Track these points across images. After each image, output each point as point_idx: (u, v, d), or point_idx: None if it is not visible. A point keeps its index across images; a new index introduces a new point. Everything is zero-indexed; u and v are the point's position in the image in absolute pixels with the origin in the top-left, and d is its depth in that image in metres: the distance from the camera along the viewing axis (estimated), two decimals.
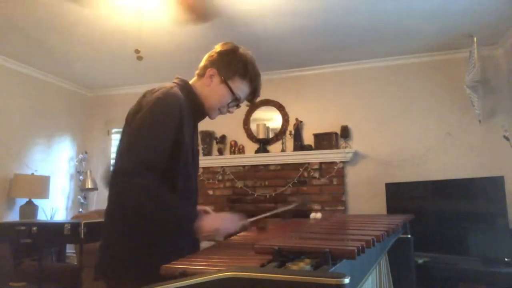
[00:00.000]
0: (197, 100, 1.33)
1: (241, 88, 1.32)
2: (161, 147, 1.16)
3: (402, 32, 3.40)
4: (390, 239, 1.56)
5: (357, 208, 3.85)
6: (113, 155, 4.95)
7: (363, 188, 3.87)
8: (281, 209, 1.54)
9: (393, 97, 3.96)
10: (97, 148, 4.99)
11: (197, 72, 1.37)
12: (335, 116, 4.09)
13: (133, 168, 1.10)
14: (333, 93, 4.17)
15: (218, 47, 1.35)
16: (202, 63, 1.36)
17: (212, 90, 1.32)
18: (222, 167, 4.29)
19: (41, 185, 4.02)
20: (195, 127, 1.39)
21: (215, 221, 1.17)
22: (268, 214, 1.43)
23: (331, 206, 3.88)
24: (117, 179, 1.13)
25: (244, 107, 4.47)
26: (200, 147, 4.43)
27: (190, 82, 1.37)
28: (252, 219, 1.33)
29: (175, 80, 1.35)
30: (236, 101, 1.35)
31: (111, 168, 1.19)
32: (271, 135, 4.30)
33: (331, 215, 2.32)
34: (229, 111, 1.37)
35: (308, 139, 4.11)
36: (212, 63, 1.33)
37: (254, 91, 1.36)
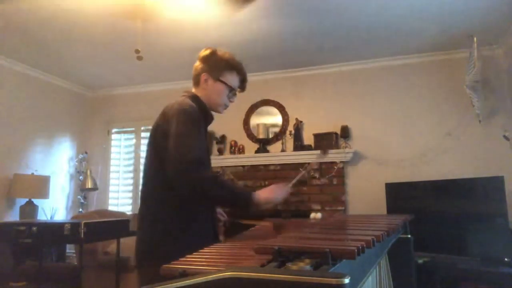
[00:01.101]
0: (205, 106, 1.54)
1: (232, 79, 1.57)
2: (202, 146, 1.38)
3: (402, 32, 3.40)
4: (390, 239, 1.56)
5: (357, 208, 3.85)
6: (113, 155, 4.95)
7: (363, 188, 3.87)
8: (298, 176, 1.82)
9: (393, 97, 3.96)
10: (97, 148, 4.99)
11: (192, 83, 1.60)
12: (335, 116, 4.09)
13: (194, 163, 1.30)
14: (333, 93, 4.17)
15: (200, 55, 1.58)
16: (193, 74, 1.59)
17: (211, 91, 1.55)
18: (222, 167, 4.29)
19: (41, 185, 4.02)
20: (206, 131, 1.60)
21: (270, 192, 1.42)
22: (295, 179, 1.71)
23: (331, 206, 3.88)
24: (189, 177, 1.29)
25: (243, 107, 4.48)
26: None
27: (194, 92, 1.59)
28: (291, 184, 1.58)
29: (184, 94, 1.56)
30: (233, 91, 1.59)
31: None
32: (271, 135, 4.30)
33: (331, 215, 2.32)
34: (230, 101, 1.61)
35: (308, 139, 4.11)
36: (201, 70, 1.56)
37: (242, 78, 1.61)
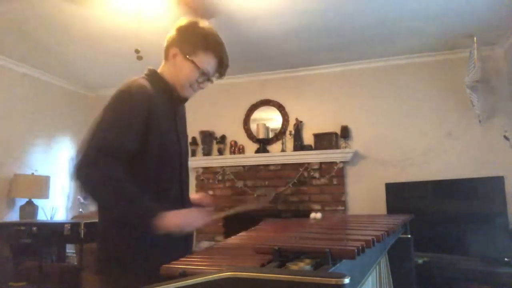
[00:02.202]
0: (167, 85, 1.32)
1: (206, 61, 1.30)
2: (124, 134, 1.15)
3: (402, 32, 3.40)
4: (390, 239, 1.56)
5: (357, 208, 3.85)
6: None
7: (363, 188, 3.87)
8: (245, 207, 1.50)
9: (393, 97, 3.96)
10: None
11: (164, 57, 1.36)
12: (335, 116, 4.09)
13: (93, 157, 1.10)
14: (333, 93, 4.17)
15: (176, 24, 1.33)
16: (164, 45, 1.35)
17: (178, 69, 1.31)
18: (222, 167, 4.29)
19: (41, 185, 4.02)
20: (176, 112, 1.37)
21: (177, 218, 1.14)
22: (232, 211, 1.42)
23: (331, 206, 3.88)
24: (79, 171, 1.11)
25: (243, 107, 4.47)
26: (200, 147, 4.43)
27: (158, 70, 1.36)
28: (217, 216, 1.34)
29: (144, 72, 1.35)
30: (204, 76, 1.32)
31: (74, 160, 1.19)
32: (271, 135, 4.30)
33: (331, 215, 2.32)
34: (200, 87, 1.35)
35: (308, 139, 4.12)
36: (172, 42, 1.32)
37: (220, 62, 1.33)
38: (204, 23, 1.32)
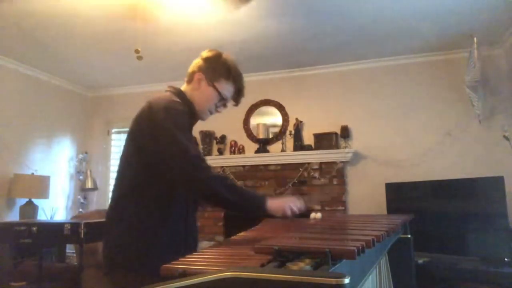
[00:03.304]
0: (190, 105, 1.45)
1: (227, 88, 1.46)
2: (193, 145, 1.29)
3: (402, 32, 3.40)
4: (390, 239, 1.56)
5: (357, 208, 3.85)
6: (113, 155, 4.95)
7: (363, 188, 3.87)
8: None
9: (393, 97, 3.96)
10: (97, 148, 4.99)
11: (185, 79, 1.51)
12: (335, 116, 4.09)
13: (199, 161, 1.25)
14: (333, 93, 4.17)
15: (203, 54, 1.49)
16: (189, 70, 1.50)
17: (201, 93, 1.45)
18: (222, 167, 4.29)
19: (41, 185, 4.03)
20: (191, 131, 1.49)
21: (282, 202, 1.34)
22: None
23: (331, 206, 3.88)
24: (200, 180, 1.23)
25: (243, 107, 4.47)
26: (200, 147, 4.43)
27: (181, 88, 1.49)
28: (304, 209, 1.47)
29: (169, 89, 1.48)
30: (223, 101, 1.48)
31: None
32: (271, 135, 4.30)
33: (331, 215, 2.32)
34: (217, 111, 1.51)
35: (308, 139, 4.12)
36: (199, 68, 1.47)
37: (238, 90, 1.50)
38: (227, 55, 1.49)
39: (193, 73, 1.48)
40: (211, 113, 1.50)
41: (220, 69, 1.45)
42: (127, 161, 1.35)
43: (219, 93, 1.45)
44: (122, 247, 1.29)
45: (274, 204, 1.32)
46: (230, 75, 1.46)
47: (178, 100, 1.39)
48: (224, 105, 1.51)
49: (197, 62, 1.49)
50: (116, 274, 1.28)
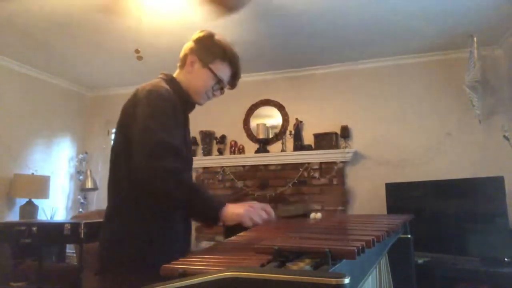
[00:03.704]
0: (183, 91, 1.37)
1: (222, 70, 1.37)
2: (174, 132, 1.19)
3: (402, 32, 3.40)
4: (390, 239, 1.56)
5: (357, 208, 3.85)
6: None
7: (363, 188, 3.87)
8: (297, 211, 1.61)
9: (393, 97, 3.96)
10: (97, 148, 4.99)
11: (178, 64, 1.42)
12: (335, 116, 4.09)
13: (159, 149, 1.11)
14: (333, 93, 4.17)
15: (194, 36, 1.41)
16: (181, 54, 1.41)
17: (195, 76, 1.37)
18: (222, 167, 4.29)
19: (41, 185, 4.02)
20: (186, 118, 1.41)
21: (238, 209, 1.15)
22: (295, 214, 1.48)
23: (331, 206, 3.88)
24: (147, 167, 1.11)
25: (243, 107, 4.47)
26: (200, 147, 4.43)
27: (174, 74, 1.41)
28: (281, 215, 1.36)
29: (160, 76, 1.39)
30: (219, 84, 1.39)
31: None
32: (271, 135, 4.30)
33: (331, 215, 2.32)
34: (214, 95, 1.41)
35: (308, 139, 4.11)
36: (191, 50, 1.38)
37: (235, 73, 1.41)
38: (221, 35, 1.40)
39: (185, 56, 1.39)
40: (208, 97, 1.40)
41: (214, 49, 1.36)
42: (115, 153, 1.27)
43: (215, 74, 1.36)
44: (115, 245, 1.21)
45: (231, 212, 1.14)
46: (226, 56, 1.37)
47: (165, 85, 1.30)
48: (221, 89, 1.42)
49: (188, 44, 1.41)
50: (107, 274, 1.22)
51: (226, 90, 1.48)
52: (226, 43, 1.39)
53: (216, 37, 1.39)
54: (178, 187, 1.10)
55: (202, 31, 1.41)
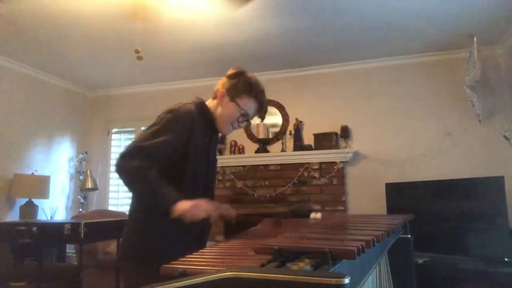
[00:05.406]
0: (210, 116, 1.54)
1: (248, 104, 1.53)
2: (162, 145, 1.33)
3: (402, 32, 3.40)
4: (390, 239, 1.56)
5: (357, 208, 3.85)
6: (113, 155, 4.95)
7: (363, 188, 3.87)
8: (273, 210, 1.66)
9: (393, 97, 3.96)
10: (97, 148, 4.99)
11: (212, 96, 1.60)
12: (335, 116, 4.09)
13: (132, 151, 1.31)
14: (333, 93, 4.17)
15: (228, 72, 1.58)
16: (215, 88, 1.59)
17: (223, 108, 1.54)
18: (222, 167, 4.29)
19: (41, 185, 4.02)
20: (212, 139, 1.61)
21: (186, 205, 1.25)
22: (256, 212, 1.62)
23: (331, 206, 3.88)
24: (118, 160, 1.30)
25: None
26: None
27: (207, 102, 1.58)
28: (238, 213, 1.44)
29: (193, 99, 1.56)
30: (244, 116, 1.55)
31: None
32: (271, 135, 4.30)
33: (331, 215, 2.32)
34: (239, 126, 1.59)
35: (308, 139, 4.11)
36: (222, 86, 1.55)
37: (260, 106, 1.58)
38: (250, 73, 1.56)
39: (217, 90, 1.56)
40: (233, 128, 1.57)
41: (242, 85, 1.52)
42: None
43: (240, 108, 1.52)
44: (131, 240, 1.42)
45: (179, 208, 1.24)
46: (253, 92, 1.53)
47: (191, 108, 1.46)
48: (247, 121, 1.59)
49: (221, 80, 1.58)
50: (125, 265, 1.42)
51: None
52: (254, 79, 1.55)
53: (246, 74, 1.55)
54: (138, 182, 1.28)
55: (234, 68, 1.58)
